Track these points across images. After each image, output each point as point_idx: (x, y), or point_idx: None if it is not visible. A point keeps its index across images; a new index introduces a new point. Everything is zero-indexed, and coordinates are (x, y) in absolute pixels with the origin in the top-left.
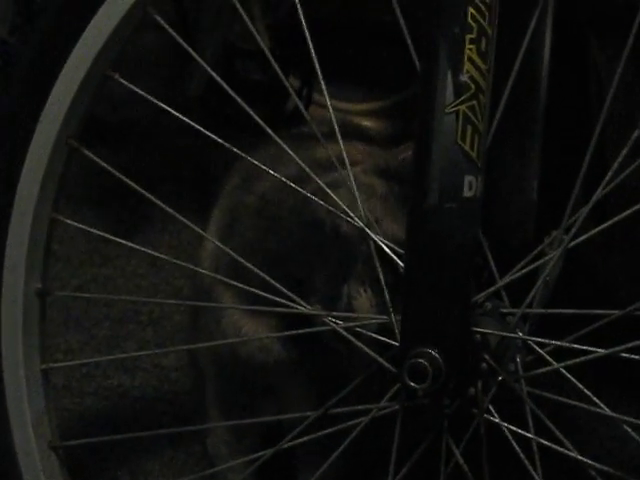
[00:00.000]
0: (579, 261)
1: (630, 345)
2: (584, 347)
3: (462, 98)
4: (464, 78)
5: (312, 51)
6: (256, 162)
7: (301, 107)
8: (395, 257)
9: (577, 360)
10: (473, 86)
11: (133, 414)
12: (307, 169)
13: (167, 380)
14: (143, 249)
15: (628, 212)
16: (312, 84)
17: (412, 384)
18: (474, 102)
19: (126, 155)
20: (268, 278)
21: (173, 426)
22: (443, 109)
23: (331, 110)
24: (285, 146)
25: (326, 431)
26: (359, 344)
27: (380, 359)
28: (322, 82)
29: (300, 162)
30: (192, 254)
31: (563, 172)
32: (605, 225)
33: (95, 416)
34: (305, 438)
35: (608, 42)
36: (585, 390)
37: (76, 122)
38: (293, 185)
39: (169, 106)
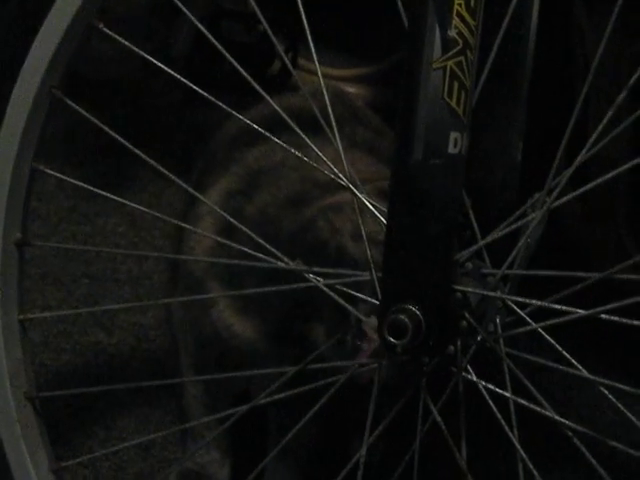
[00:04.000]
0: (558, 232)
1: (610, 307)
2: (564, 308)
3: (450, 54)
4: (452, 33)
5: (302, 13)
6: (248, 122)
7: (289, 66)
8: (379, 215)
9: (557, 320)
10: (461, 42)
11: (110, 371)
12: (284, 115)
13: (145, 339)
14: (132, 204)
15: (608, 176)
16: (297, 48)
17: (392, 339)
18: (461, 58)
19: (108, 115)
20: (251, 233)
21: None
22: (430, 64)
23: (320, 75)
24: (274, 104)
25: (303, 388)
26: (340, 300)
27: (360, 315)
28: (311, 45)
29: (278, 109)
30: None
31: (547, 135)
32: (587, 187)
33: (72, 372)
34: (282, 395)
35: (595, 9)
36: (563, 352)
37: (60, 72)
38: (293, 150)
39: (151, 66)
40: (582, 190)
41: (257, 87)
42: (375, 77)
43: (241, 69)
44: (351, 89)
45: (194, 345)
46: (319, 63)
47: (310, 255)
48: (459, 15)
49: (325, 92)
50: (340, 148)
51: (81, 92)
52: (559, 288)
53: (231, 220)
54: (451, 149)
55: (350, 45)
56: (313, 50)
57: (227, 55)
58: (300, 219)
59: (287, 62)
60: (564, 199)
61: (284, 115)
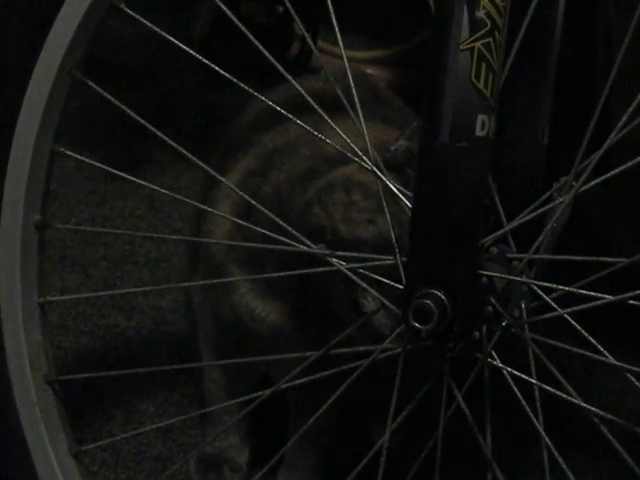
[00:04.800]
0: (580, 218)
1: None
2: (592, 293)
3: (478, 35)
4: (480, 14)
5: None
6: (271, 103)
7: (312, 46)
8: (404, 199)
9: (583, 306)
10: (489, 23)
11: (128, 354)
12: (307, 96)
13: (163, 322)
14: (151, 185)
15: (635, 161)
16: (317, 30)
17: (417, 325)
18: (489, 39)
19: (126, 98)
20: (273, 216)
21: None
22: (458, 45)
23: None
24: (295, 83)
25: (326, 373)
26: (363, 284)
27: (384, 300)
28: (336, 26)
29: (301, 90)
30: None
31: (571, 119)
32: (615, 171)
33: (90, 355)
34: (304, 379)
35: None
36: (589, 337)
37: (80, 53)
38: (316, 133)
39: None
40: (612, 174)
41: (280, 68)
42: (395, 59)
43: (264, 50)
44: (371, 71)
45: (214, 329)
46: (339, 45)
47: (312, 240)
48: None
49: (349, 73)
50: (365, 130)
51: (98, 76)
52: (582, 275)
53: (251, 201)
54: (478, 132)
55: (369, 28)
56: (337, 32)
57: (251, 37)
58: (303, 199)
59: (309, 41)
60: (592, 183)
61: (307, 96)
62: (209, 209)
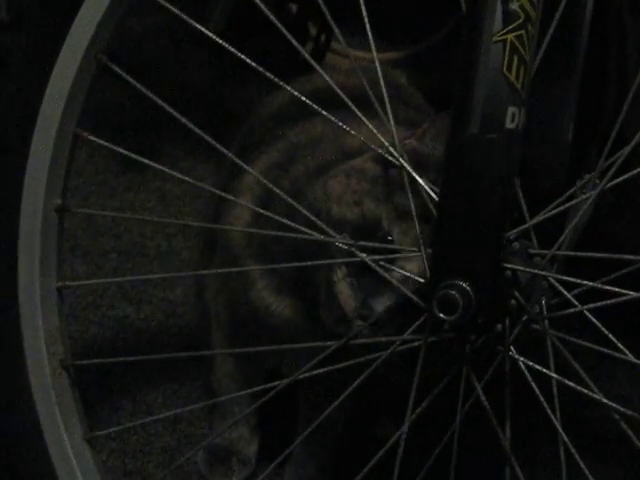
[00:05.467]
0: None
1: None
2: (616, 289)
3: (511, 27)
4: (514, 6)
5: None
6: (297, 93)
7: (339, 37)
8: (429, 190)
9: (604, 302)
10: (523, 15)
11: (137, 345)
12: (336, 88)
13: (173, 314)
14: (171, 172)
15: None
16: (331, 30)
17: (441, 315)
18: (522, 32)
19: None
20: (297, 205)
21: (177, 360)
22: (490, 37)
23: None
24: (319, 69)
25: (346, 363)
26: (387, 276)
27: (408, 292)
28: (368, 28)
29: (330, 80)
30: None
31: (591, 115)
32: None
33: (99, 345)
34: (321, 370)
35: None
36: (609, 335)
37: (106, 38)
38: (345, 126)
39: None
40: (634, 172)
41: (311, 61)
42: (408, 61)
43: (293, 40)
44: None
45: (229, 324)
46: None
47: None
48: None
49: (379, 70)
50: (392, 123)
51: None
52: (595, 274)
53: (275, 191)
54: (508, 124)
55: (382, 29)
56: (369, 30)
57: (281, 27)
58: (314, 189)
59: (337, 31)
60: (616, 181)
61: (336, 88)
62: (232, 197)
